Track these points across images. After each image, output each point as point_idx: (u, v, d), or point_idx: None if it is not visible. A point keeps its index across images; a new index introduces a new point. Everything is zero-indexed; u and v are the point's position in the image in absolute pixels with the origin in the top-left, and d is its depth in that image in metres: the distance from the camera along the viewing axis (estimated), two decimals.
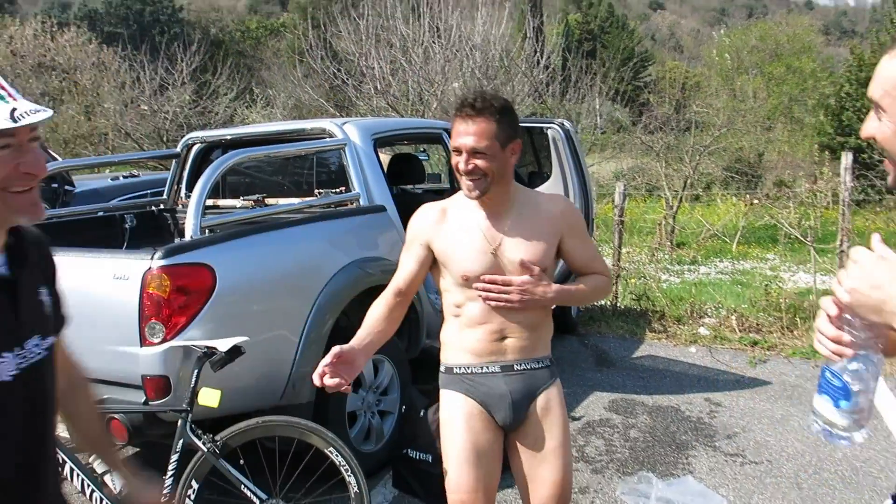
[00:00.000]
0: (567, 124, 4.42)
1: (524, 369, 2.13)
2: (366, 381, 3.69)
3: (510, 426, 2.14)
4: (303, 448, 2.76)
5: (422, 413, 3.57)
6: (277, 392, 3.21)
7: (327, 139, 4.12)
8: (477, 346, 2.11)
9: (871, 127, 1.20)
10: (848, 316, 1.13)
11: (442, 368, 2.22)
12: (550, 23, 22.98)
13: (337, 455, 2.66)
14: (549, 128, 4.40)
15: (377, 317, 2.13)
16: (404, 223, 4.18)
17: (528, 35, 13.44)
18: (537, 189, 4.73)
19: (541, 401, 2.14)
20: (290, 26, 34.38)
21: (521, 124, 5.61)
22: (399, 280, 2.17)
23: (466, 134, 1.99)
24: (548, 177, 4.65)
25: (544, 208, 2.16)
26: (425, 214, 2.17)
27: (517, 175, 5.38)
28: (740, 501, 3.48)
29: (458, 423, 2.11)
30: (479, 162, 1.99)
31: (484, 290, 2.03)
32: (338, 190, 4.15)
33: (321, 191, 4.23)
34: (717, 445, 4.11)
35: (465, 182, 2.03)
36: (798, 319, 6.55)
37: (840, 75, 22.82)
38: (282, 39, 34.12)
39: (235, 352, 2.60)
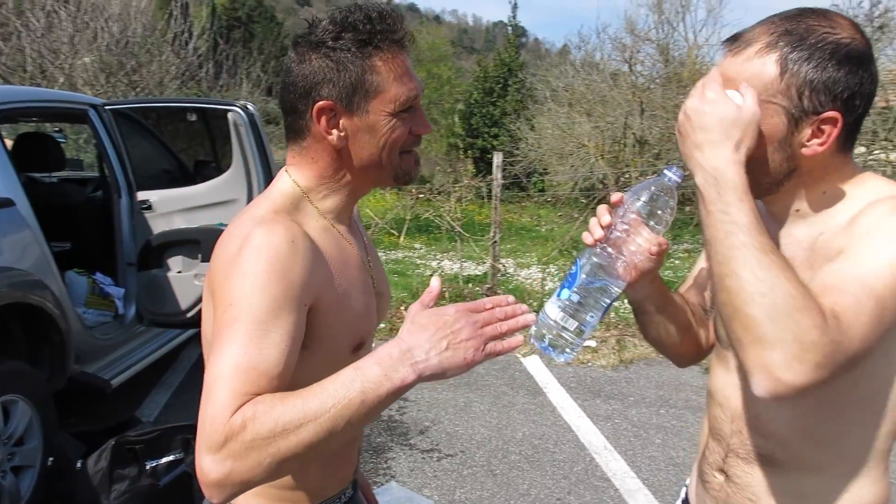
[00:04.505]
0: (251, 107, 3.91)
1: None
2: None
3: None
4: None
5: (78, 464, 2.83)
6: None
7: None
8: (342, 472, 1.32)
9: None
10: (625, 212, 1.12)
11: None
12: (196, 5, 21.61)
13: None
14: (230, 110, 3.84)
15: None
16: (40, 221, 3.35)
17: (173, 13, 12.39)
18: (212, 182, 4.18)
19: None
20: None
21: (194, 105, 4.93)
22: (275, 373, 0.96)
23: (414, 74, 1.17)
24: (225, 168, 4.10)
25: None
26: (293, 246, 1.03)
27: (179, 164, 4.73)
28: (444, 499, 3.43)
29: None
30: None
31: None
32: None
33: None
34: (413, 443, 4.05)
35: (408, 161, 1.19)
36: None
37: (469, 84, 25.42)
38: None
39: None
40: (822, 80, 0.98)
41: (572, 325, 1.10)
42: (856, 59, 0.99)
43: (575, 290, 1.10)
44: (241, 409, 0.88)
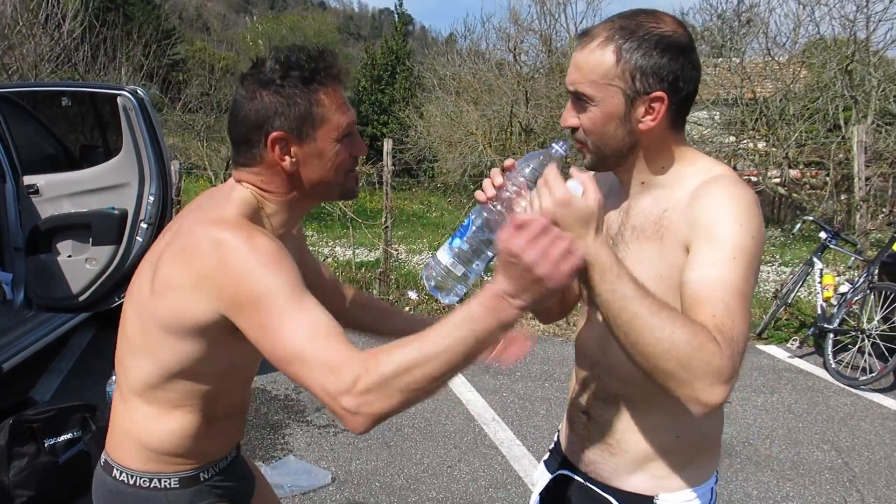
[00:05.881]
0: (141, 92, 3.88)
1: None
2: None
3: None
4: None
5: None
6: None
7: None
8: (231, 435, 1.52)
9: (573, 118, 1.28)
10: (516, 176, 1.22)
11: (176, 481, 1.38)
12: None
13: None
14: (120, 95, 3.80)
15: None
16: None
17: None
18: (102, 167, 4.12)
19: None
20: None
21: (84, 89, 4.79)
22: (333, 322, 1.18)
23: (349, 104, 1.36)
24: (114, 153, 4.05)
25: None
26: (276, 241, 1.23)
27: (64, 149, 4.61)
28: (341, 470, 3.59)
29: None
30: None
31: None
32: None
33: None
34: (309, 420, 4.18)
35: (351, 180, 1.37)
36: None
37: (357, 71, 25.30)
38: None
39: None
40: (649, 66, 1.21)
41: (460, 270, 1.25)
42: (676, 48, 1.22)
43: (465, 239, 1.24)
44: (360, 355, 1.07)
